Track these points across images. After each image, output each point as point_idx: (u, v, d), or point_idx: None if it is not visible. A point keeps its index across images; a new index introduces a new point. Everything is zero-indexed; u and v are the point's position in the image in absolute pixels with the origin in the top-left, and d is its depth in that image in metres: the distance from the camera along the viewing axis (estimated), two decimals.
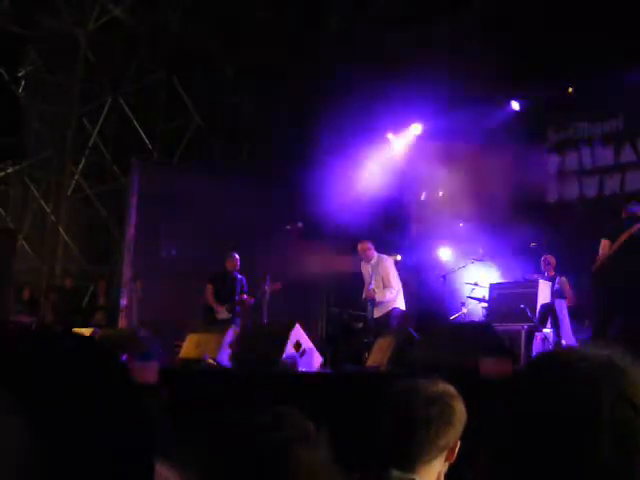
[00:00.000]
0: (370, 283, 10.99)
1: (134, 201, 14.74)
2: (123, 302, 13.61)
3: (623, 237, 9.38)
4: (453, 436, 2.78)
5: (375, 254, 11.18)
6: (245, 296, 11.88)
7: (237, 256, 11.99)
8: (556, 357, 1.30)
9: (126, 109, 16.00)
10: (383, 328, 10.31)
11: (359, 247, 11.25)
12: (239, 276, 12.03)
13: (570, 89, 12.14)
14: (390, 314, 10.87)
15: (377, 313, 10.95)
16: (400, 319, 10.84)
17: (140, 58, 15.55)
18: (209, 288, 11.96)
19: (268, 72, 14.06)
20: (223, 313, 11.74)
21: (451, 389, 2.87)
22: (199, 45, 14.69)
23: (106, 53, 15.78)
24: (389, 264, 11.13)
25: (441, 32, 12.47)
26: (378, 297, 10.92)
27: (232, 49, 14.56)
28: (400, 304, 11.00)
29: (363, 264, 11.28)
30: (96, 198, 16.42)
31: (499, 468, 1.22)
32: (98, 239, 16.74)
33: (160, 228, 14.30)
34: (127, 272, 14.32)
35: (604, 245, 9.45)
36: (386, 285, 10.92)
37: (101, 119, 16.14)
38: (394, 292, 10.93)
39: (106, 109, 16.13)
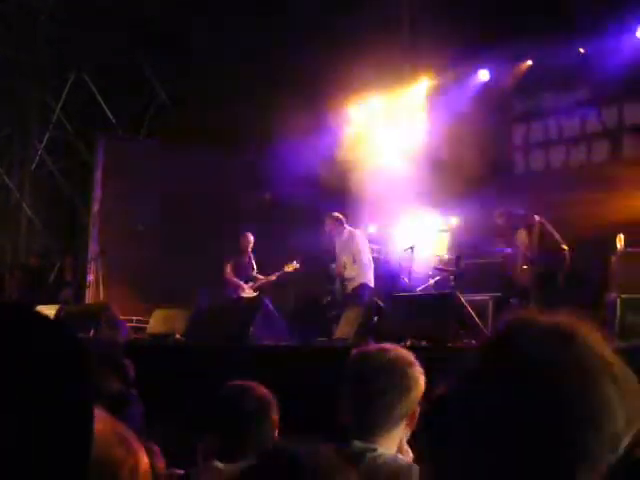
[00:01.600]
0: (340, 259, 10.94)
1: (99, 176, 14.62)
2: (90, 278, 13.51)
3: None
4: (411, 403, 2.76)
5: (346, 228, 11.06)
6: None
7: (250, 235, 12.03)
8: (521, 322, 1.30)
9: (90, 84, 15.82)
10: (350, 301, 10.32)
11: (328, 221, 11.14)
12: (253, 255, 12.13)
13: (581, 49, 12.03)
14: (358, 289, 10.82)
15: (348, 288, 10.92)
16: (368, 293, 10.81)
17: (104, 32, 15.35)
18: (228, 267, 11.92)
19: (236, 45, 13.94)
20: (248, 291, 11.70)
21: (406, 355, 2.83)
22: (162, 20, 14.54)
23: (69, 28, 15.54)
24: (360, 239, 11.03)
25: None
26: (347, 274, 10.86)
27: (197, 25, 14.42)
28: (368, 279, 10.95)
29: (332, 238, 11.19)
30: (60, 174, 16.25)
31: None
32: (63, 215, 16.59)
33: (126, 203, 14.18)
34: (93, 248, 14.22)
35: None
36: (355, 260, 10.85)
37: (64, 94, 15.93)
38: (364, 267, 10.86)
39: (69, 84, 15.92)
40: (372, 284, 10.98)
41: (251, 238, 11.98)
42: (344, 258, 10.91)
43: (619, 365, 1.23)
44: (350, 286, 10.90)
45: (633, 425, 1.20)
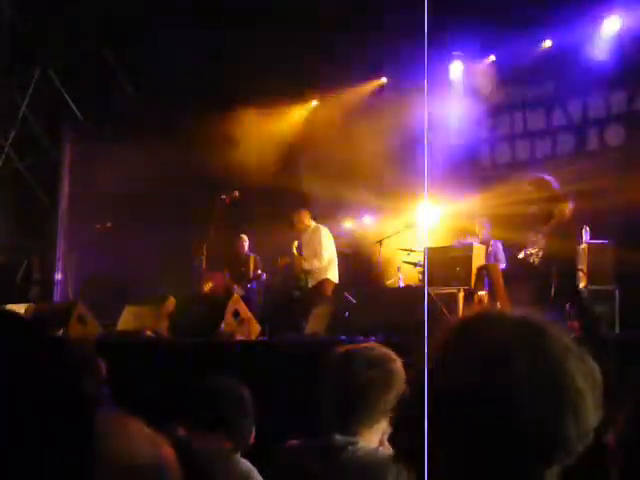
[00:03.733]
0: (304, 252, 11.07)
1: (66, 172, 14.53)
2: (58, 276, 13.42)
3: None
4: (393, 399, 2.82)
5: (312, 224, 11.20)
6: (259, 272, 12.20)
7: (245, 238, 12.36)
8: (482, 316, 1.34)
9: (56, 81, 15.69)
10: (317, 297, 10.40)
11: (294, 217, 11.28)
12: (251, 255, 12.32)
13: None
14: (320, 285, 10.94)
15: (311, 283, 11.04)
16: (331, 289, 10.91)
17: (68, 26, 15.23)
18: (222, 276, 12.09)
19: (203, 41, 13.89)
20: (239, 291, 11.77)
21: (389, 352, 2.91)
22: (129, 13, 14.43)
23: (34, 24, 15.40)
24: (323, 234, 11.13)
25: None
26: (306, 266, 11.00)
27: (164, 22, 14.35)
28: (331, 275, 11.06)
29: (299, 233, 11.31)
30: (27, 171, 16.11)
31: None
32: (30, 212, 16.46)
33: (94, 200, 14.10)
34: (61, 245, 14.13)
35: None
36: (316, 255, 10.97)
37: (30, 91, 15.78)
38: (324, 262, 10.96)
39: (34, 81, 15.78)
40: (336, 280, 11.09)
41: (245, 242, 12.20)
42: (307, 252, 11.05)
43: (585, 357, 1.27)
44: (312, 281, 11.01)
45: (598, 414, 1.25)
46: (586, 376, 1.24)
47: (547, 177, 8.73)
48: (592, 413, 1.23)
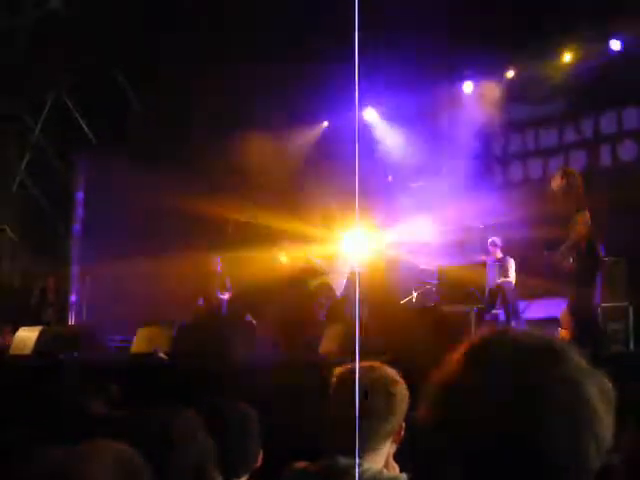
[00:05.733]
0: None
1: (80, 196, 14.61)
2: (73, 299, 13.47)
3: None
4: (397, 422, 2.80)
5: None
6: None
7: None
8: (504, 335, 1.33)
9: (69, 104, 15.80)
10: (333, 315, 10.33)
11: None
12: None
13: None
14: (342, 303, 10.79)
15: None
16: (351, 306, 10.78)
17: (81, 51, 15.34)
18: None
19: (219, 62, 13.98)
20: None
21: (391, 373, 2.86)
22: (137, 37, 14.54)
23: (46, 47, 15.52)
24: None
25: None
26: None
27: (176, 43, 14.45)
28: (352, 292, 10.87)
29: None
30: (41, 195, 16.21)
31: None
32: (45, 236, 16.53)
33: (108, 223, 14.15)
34: (76, 268, 14.18)
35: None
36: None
37: (43, 115, 15.91)
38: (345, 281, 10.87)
39: (48, 104, 15.90)
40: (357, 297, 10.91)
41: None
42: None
43: (600, 377, 1.28)
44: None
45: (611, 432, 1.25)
46: (602, 396, 1.24)
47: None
48: (608, 432, 1.24)
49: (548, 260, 8.57)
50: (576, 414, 1.21)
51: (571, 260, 7.75)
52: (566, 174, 8.20)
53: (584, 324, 7.57)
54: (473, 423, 1.23)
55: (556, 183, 8.07)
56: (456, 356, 1.33)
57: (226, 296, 12.13)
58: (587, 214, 7.93)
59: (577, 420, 1.21)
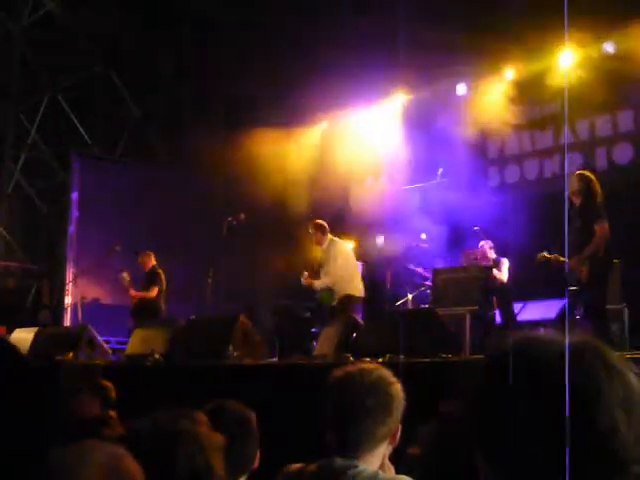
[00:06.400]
0: (318, 269, 10.66)
1: (75, 197, 14.59)
2: (68, 300, 13.45)
3: None
4: (393, 422, 2.80)
5: (327, 238, 10.64)
6: None
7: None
8: (534, 339, 1.32)
9: (64, 105, 15.78)
10: (330, 316, 10.10)
11: (311, 229, 10.73)
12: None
13: None
14: (342, 301, 10.38)
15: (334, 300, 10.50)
16: (353, 303, 10.51)
17: (76, 53, 15.34)
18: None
19: (204, 64, 14.00)
20: None
21: (387, 375, 2.86)
22: (136, 38, 14.56)
23: (42, 48, 15.51)
24: (339, 249, 10.66)
25: None
26: (317, 284, 10.51)
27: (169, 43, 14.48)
28: (352, 289, 10.43)
29: (316, 248, 10.89)
30: (36, 195, 16.18)
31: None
32: (40, 237, 16.50)
33: (103, 224, 14.14)
34: (70, 270, 14.16)
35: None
36: (328, 271, 10.57)
37: (39, 116, 15.88)
38: (333, 278, 10.44)
39: (43, 105, 15.88)
40: (360, 293, 10.56)
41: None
42: (323, 269, 10.57)
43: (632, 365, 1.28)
44: (335, 298, 10.48)
45: None
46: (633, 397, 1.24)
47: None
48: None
49: (557, 264, 8.57)
50: (629, 405, 1.22)
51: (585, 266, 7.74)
52: (582, 179, 8.14)
53: (600, 324, 7.60)
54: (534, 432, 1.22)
55: (573, 187, 8.01)
56: (487, 370, 1.31)
57: None
58: (606, 225, 7.86)
59: (631, 411, 1.22)
